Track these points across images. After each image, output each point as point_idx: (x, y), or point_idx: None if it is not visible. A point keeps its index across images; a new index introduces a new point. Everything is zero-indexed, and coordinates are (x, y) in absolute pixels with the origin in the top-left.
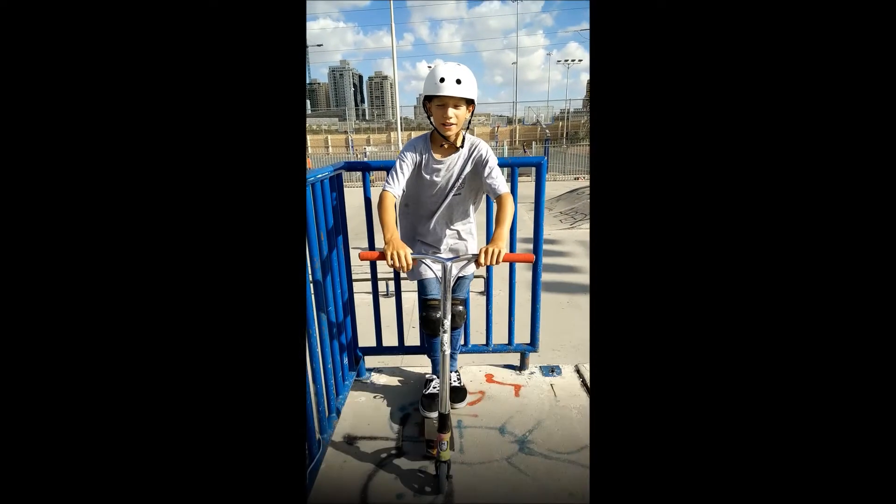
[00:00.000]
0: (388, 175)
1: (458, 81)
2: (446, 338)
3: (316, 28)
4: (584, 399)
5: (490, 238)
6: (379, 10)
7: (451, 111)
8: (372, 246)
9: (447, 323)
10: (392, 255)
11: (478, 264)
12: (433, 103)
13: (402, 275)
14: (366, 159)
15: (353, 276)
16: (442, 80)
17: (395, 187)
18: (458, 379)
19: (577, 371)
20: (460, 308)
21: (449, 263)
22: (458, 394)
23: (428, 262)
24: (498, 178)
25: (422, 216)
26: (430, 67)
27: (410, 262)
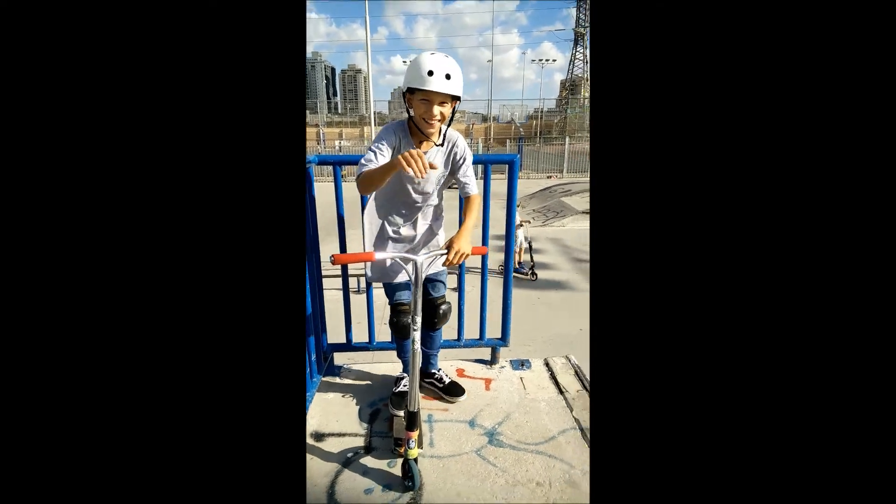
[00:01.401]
0: (366, 156)
1: (448, 77)
2: (417, 335)
3: None
4: (552, 391)
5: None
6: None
7: (436, 109)
8: (344, 244)
9: (418, 320)
10: (406, 158)
11: (446, 264)
12: (416, 97)
13: (369, 274)
14: (337, 153)
15: (323, 273)
16: (430, 73)
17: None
18: (447, 376)
19: (547, 364)
20: (445, 307)
21: (419, 261)
22: (456, 389)
23: (398, 259)
24: (471, 179)
25: (394, 213)
26: (405, 63)
27: (427, 164)
